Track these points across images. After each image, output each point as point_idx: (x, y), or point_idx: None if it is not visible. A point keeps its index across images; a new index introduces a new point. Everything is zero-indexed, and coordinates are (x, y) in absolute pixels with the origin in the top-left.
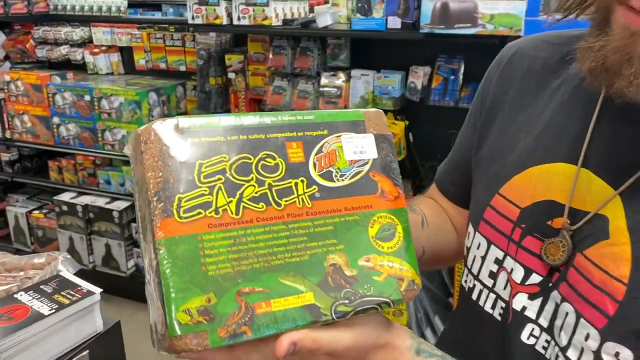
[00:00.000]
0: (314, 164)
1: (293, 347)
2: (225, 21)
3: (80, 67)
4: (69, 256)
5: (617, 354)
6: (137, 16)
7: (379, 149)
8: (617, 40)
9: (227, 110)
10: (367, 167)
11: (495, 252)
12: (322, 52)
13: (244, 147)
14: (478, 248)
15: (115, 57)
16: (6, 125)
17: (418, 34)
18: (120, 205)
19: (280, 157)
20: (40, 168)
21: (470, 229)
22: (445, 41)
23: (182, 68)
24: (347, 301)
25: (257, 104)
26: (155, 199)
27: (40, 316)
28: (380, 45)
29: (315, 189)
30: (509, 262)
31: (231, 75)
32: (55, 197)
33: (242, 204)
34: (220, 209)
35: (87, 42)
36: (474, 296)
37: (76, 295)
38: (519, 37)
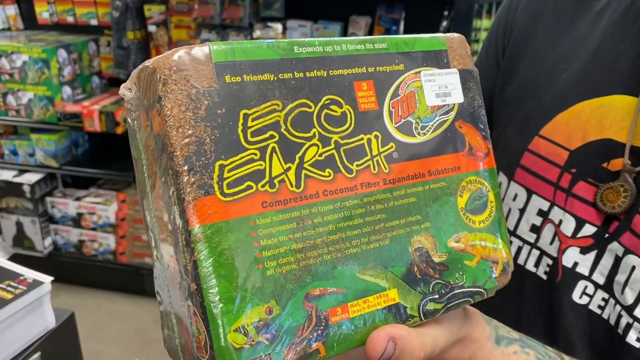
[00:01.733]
0: (390, 113)
1: (393, 345)
2: None
3: None
4: (1, 240)
5: None
6: None
7: (465, 90)
8: None
9: None
10: (452, 115)
11: (539, 203)
12: (254, 1)
13: (301, 89)
14: (514, 199)
15: (12, 9)
16: None
17: None
18: (32, 178)
19: (348, 104)
20: None
21: (502, 178)
22: None
23: (94, 22)
24: (437, 296)
25: None
26: (186, 168)
27: None
28: None
29: (392, 146)
30: (556, 213)
31: (152, 29)
32: None
33: (304, 171)
34: (276, 180)
35: None
36: (514, 255)
37: (20, 287)
38: None
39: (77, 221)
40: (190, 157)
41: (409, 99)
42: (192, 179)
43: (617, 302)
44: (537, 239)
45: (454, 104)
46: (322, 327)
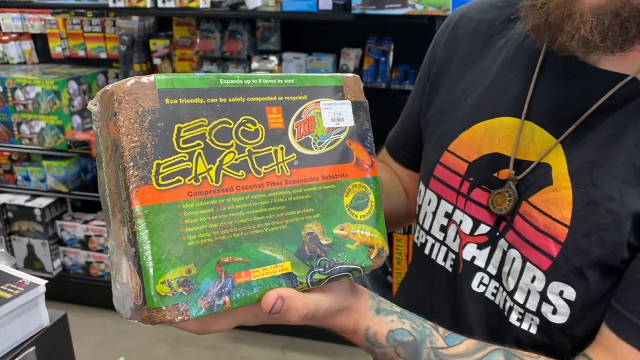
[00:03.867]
0: (294, 131)
1: (281, 303)
2: (149, 4)
3: None
4: (2, 250)
5: (561, 293)
6: (52, 1)
7: (355, 116)
8: None
9: None
10: (344, 135)
11: (445, 207)
12: (252, 35)
13: (224, 111)
14: (429, 204)
15: (28, 44)
16: None
17: (349, 15)
18: (42, 202)
19: (261, 123)
20: None
21: (422, 187)
22: (375, 23)
23: (103, 55)
24: (322, 269)
25: None
26: (131, 164)
27: None
28: (311, 27)
29: (294, 156)
30: (458, 215)
31: (157, 61)
32: None
33: (222, 171)
34: (200, 177)
35: None
36: (427, 251)
37: (18, 288)
38: (447, 16)
39: (85, 243)
40: (135, 156)
41: (309, 121)
42: (136, 173)
43: (504, 289)
44: (444, 237)
45: (346, 127)
46: (229, 286)
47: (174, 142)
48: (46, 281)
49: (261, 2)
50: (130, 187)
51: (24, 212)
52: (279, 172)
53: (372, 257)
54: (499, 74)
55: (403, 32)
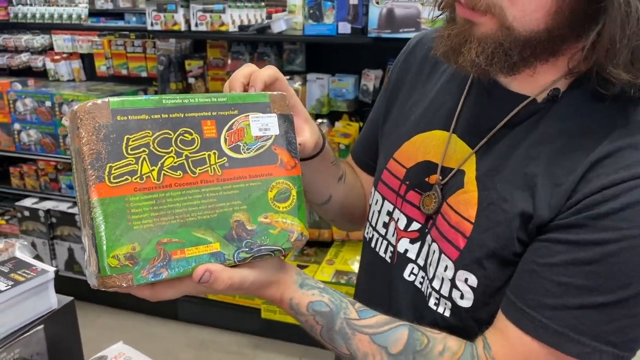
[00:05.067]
0: (225, 139)
1: (209, 275)
2: (183, 27)
3: (42, 74)
4: (26, 242)
5: (466, 280)
6: (99, 24)
7: (280, 127)
8: (459, 27)
9: None
10: (269, 142)
11: (387, 206)
12: (279, 57)
13: (165, 124)
14: (376, 204)
15: (77, 63)
16: None
17: (366, 39)
18: None
19: (197, 133)
20: (1, 175)
21: (372, 189)
22: (394, 45)
23: (144, 74)
24: (247, 249)
25: None
26: (89, 167)
27: None
28: (333, 50)
29: (225, 159)
30: (396, 213)
31: (191, 81)
32: (17, 203)
33: (163, 171)
34: (144, 176)
35: (47, 50)
36: (372, 244)
37: (31, 273)
38: None
39: None
40: (93, 161)
41: (239, 131)
42: (93, 173)
43: (427, 277)
44: (386, 233)
45: (272, 135)
46: (167, 261)
47: (123, 149)
48: (54, 268)
49: (285, 27)
50: (89, 184)
51: (66, 218)
52: (211, 172)
53: (292, 241)
54: (437, 94)
55: None
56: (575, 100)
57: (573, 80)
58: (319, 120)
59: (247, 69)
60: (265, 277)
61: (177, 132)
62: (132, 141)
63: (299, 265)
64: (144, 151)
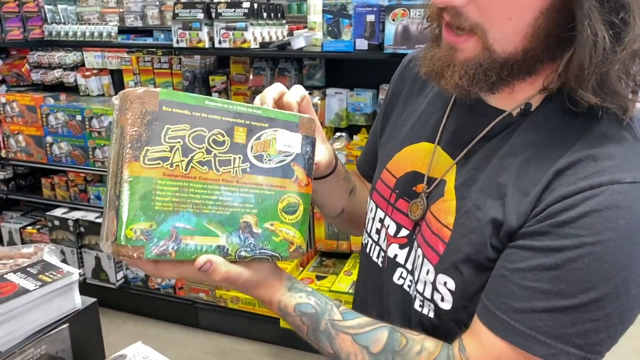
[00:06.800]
0: (252, 147)
1: (209, 264)
2: (207, 45)
3: (73, 90)
4: (54, 247)
5: (445, 283)
6: (128, 41)
7: (303, 146)
8: (442, 51)
9: None
10: (290, 158)
11: (380, 213)
12: (299, 72)
13: (202, 123)
14: (371, 212)
15: (106, 79)
16: (1, 145)
17: (383, 54)
18: None
19: (228, 136)
20: (33, 185)
21: (369, 198)
22: None
23: (170, 89)
24: (249, 249)
25: None
26: (129, 146)
27: (25, 291)
28: (351, 65)
29: (247, 165)
30: (387, 220)
31: (215, 95)
32: (47, 213)
33: (191, 164)
34: (174, 164)
35: (79, 66)
36: (367, 250)
37: (58, 275)
38: None
39: None
40: (133, 142)
41: (266, 143)
42: (130, 151)
43: (414, 280)
44: (378, 239)
45: (294, 153)
46: (177, 243)
47: (162, 136)
48: (79, 271)
49: (305, 43)
50: (125, 160)
51: (94, 228)
52: (233, 174)
53: (290, 251)
54: (426, 108)
55: None
56: (545, 114)
57: (546, 96)
58: (338, 134)
59: (279, 86)
60: (258, 278)
61: (211, 132)
62: (171, 131)
63: (317, 276)
64: (179, 142)
